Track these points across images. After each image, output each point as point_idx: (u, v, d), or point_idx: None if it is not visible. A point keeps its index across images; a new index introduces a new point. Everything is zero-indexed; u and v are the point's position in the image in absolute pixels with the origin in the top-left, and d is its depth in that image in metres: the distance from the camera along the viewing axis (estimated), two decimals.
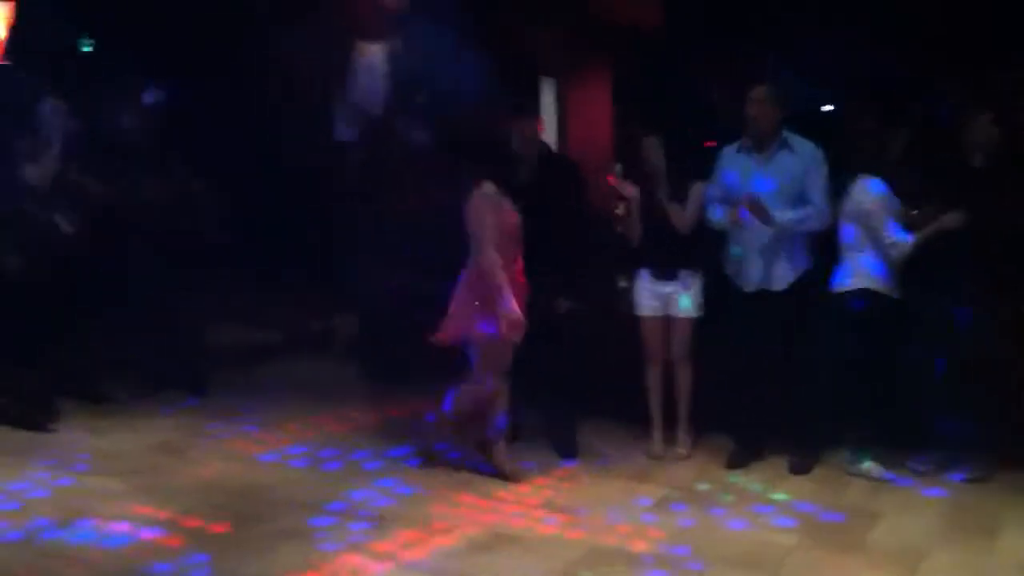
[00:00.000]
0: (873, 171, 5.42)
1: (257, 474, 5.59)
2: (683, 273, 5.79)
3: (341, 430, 6.42)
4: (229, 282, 8.12)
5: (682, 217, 5.72)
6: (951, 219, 5.23)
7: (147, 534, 4.69)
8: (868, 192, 5.39)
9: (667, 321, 5.86)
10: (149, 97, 7.16)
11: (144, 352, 7.24)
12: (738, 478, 5.48)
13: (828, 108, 8.84)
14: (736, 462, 5.66)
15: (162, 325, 7.08)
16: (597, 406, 6.38)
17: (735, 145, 5.74)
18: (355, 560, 4.41)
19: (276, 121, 9.09)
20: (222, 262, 7.43)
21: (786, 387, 5.56)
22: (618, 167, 8.63)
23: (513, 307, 5.20)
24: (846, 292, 5.46)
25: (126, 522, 4.81)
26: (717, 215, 5.66)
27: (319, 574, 4.27)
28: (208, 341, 7.54)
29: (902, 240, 5.30)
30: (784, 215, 5.45)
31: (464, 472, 5.59)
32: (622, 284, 6.78)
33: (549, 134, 9.57)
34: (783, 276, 5.57)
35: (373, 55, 9.74)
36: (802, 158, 5.55)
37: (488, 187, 5.44)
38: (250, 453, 5.93)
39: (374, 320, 8.07)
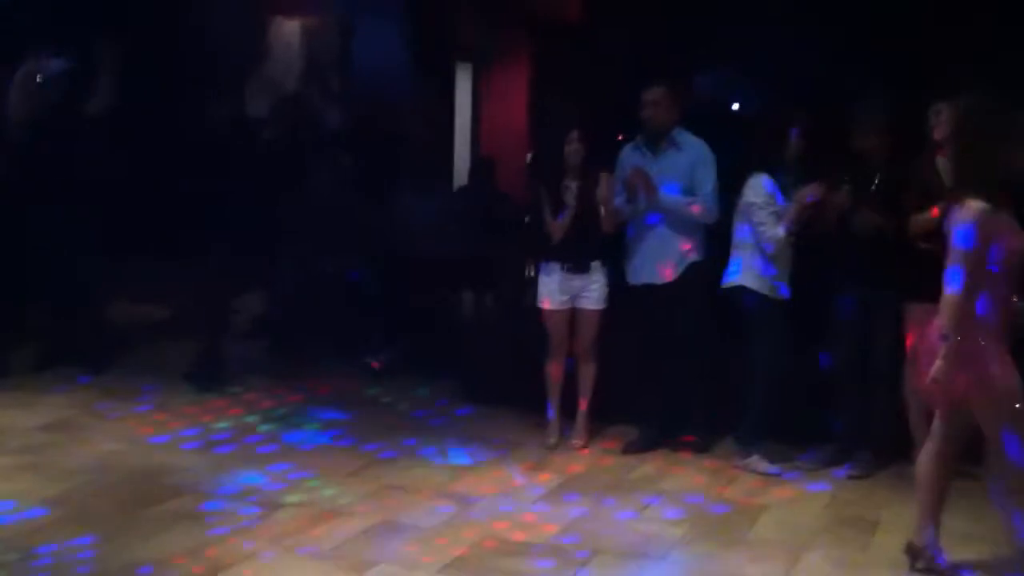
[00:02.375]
0: (764, 168, 5.54)
1: (149, 456, 5.53)
2: (593, 266, 5.87)
3: (236, 413, 6.37)
4: (132, 257, 8.01)
5: (611, 218, 5.81)
6: (806, 191, 5.39)
7: (32, 514, 4.61)
8: (754, 188, 5.53)
9: (573, 314, 5.93)
10: (54, 66, 6.99)
11: (43, 325, 7.13)
12: (631, 469, 5.56)
13: (736, 107, 8.95)
14: (631, 451, 5.78)
15: (65, 299, 6.96)
16: (495, 396, 6.46)
17: (632, 143, 5.91)
18: (245, 545, 4.39)
19: (188, 95, 8.94)
20: (125, 237, 7.34)
21: (679, 380, 5.71)
22: (529, 156, 8.67)
23: None
24: (732, 287, 5.60)
25: (12, 501, 4.73)
26: (619, 204, 5.79)
27: (208, 559, 4.24)
28: (109, 317, 7.44)
29: (774, 232, 5.43)
30: (668, 196, 5.65)
31: (356, 458, 5.59)
32: (530, 276, 6.86)
33: (463, 120, 9.61)
34: (672, 270, 5.74)
35: (289, 31, 9.66)
36: (690, 156, 5.75)
37: None
38: (143, 434, 5.86)
39: (284, 301, 8.02)
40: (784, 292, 5.56)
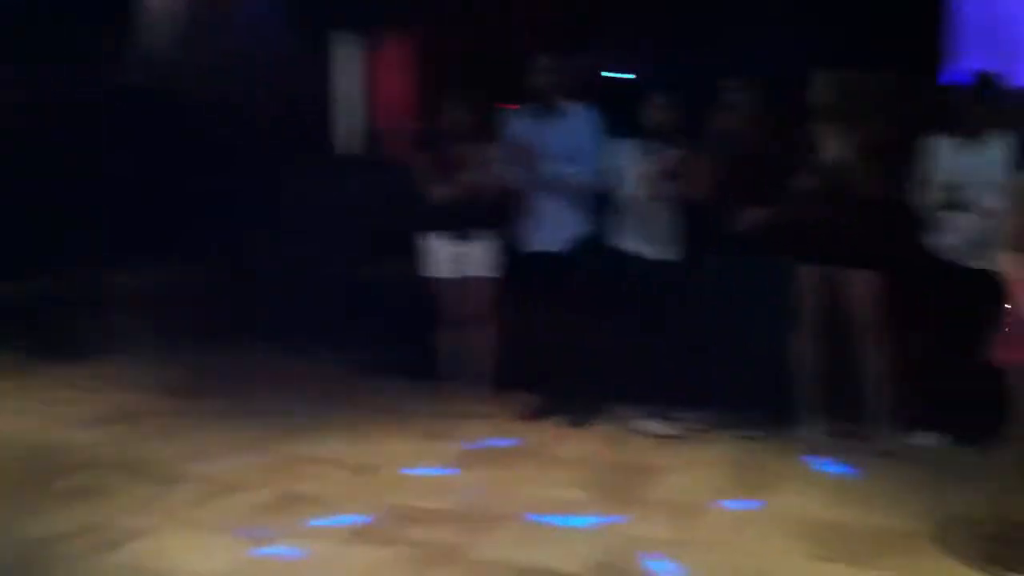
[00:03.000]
0: (628, 134, 5.69)
1: (45, 432, 5.41)
2: (480, 233, 5.91)
3: (136, 388, 6.28)
4: None
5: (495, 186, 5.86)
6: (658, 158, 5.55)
7: None
8: (616, 153, 5.69)
9: (464, 282, 5.97)
10: None
11: None
12: (531, 436, 5.64)
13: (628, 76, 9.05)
14: (529, 417, 5.88)
15: None
16: (395, 364, 6.47)
17: (522, 109, 5.95)
18: (143, 521, 4.33)
19: (58, 63, 8.66)
20: None
21: (573, 345, 5.78)
22: (416, 126, 8.66)
23: None
24: (618, 251, 5.73)
25: None
26: (504, 169, 5.84)
27: (103, 535, 4.17)
28: None
29: (633, 194, 5.61)
30: (550, 166, 5.71)
31: (257, 431, 5.55)
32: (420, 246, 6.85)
33: (352, 91, 9.54)
34: (563, 236, 5.81)
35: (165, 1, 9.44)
36: (577, 124, 5.82)
37: None
38: (42, 410, 5.74)
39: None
40: (653, 255, 5.69)
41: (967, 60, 7.02)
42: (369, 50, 9.73)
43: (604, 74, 8.78)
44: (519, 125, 5.92)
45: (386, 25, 9.56)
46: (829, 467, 5.18)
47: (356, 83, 9.57)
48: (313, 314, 7.25)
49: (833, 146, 5.28)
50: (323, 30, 9.33)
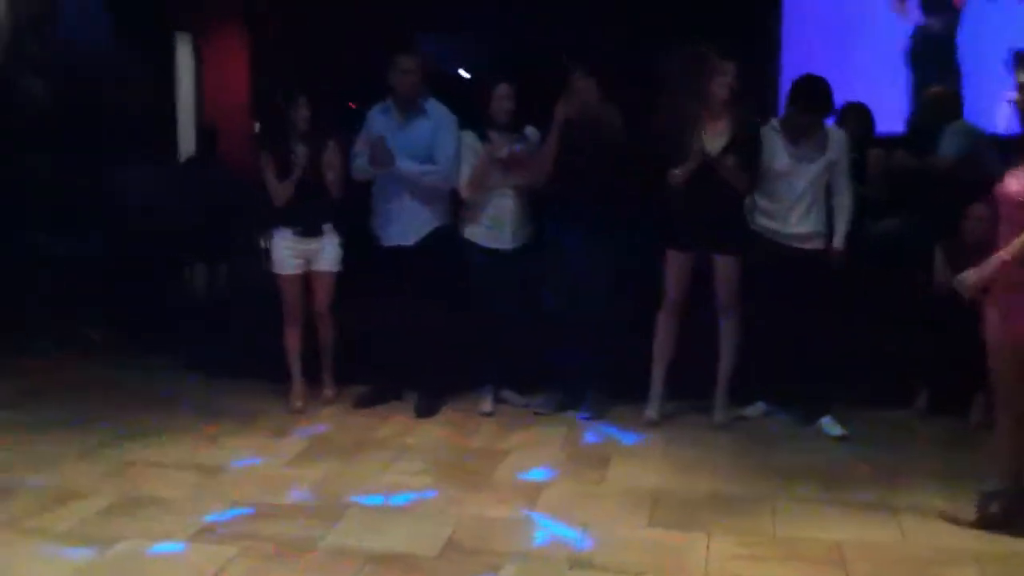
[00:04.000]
0: (471, 126, 5.81)
1: None
2: (325, 229, 5.92)
3: None
4: None
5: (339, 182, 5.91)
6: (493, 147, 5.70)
7: None
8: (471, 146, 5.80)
9: (308, 277, 5.97)
10: None
11: None
12: (376, 427, 5.67)
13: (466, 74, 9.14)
14: (361, 406, 5.96)
15: None
16: (238, 364, 6.43)
17: (380, 107, 5.97)
18: None
19: None
20: None
21: (423, 336, 5.86)
22: (256, 126, 8.58)
23: None
24: (470, 243, 5.85)
25: None
26: (360, 165, 5.86)
27: None
28: None
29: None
30: (407, 164, 5.75)
31: (93, 436, 5.44)
32: (263, 245, 6.82)
33: (185, 91, 9.38)
34: (416, 231, 5.84)
35: None
36: (434, 122, 5.86)
37: None
38: None
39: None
40: (505, 244, 5.81)
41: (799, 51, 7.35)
42: (208, 49, 9.59)
43: (445, 69, 8.85)
44: (374, 122, 5.93)
45: (224, 24, 9.45)
46: (671, 440, 5.38)
47: (194, 83, 9.42)
48: (152, 317, 7.13)
49: (696, 136, 5.48)
50: (158, 29, 9.14)
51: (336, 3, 8.65)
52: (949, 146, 5.84)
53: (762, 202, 5.54)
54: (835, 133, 5.57)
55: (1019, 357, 4.04)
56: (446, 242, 5.90)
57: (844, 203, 5.48)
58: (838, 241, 5.47)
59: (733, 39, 5.74)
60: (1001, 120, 5.96)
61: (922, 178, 5.71)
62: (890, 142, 6.21)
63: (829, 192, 5.51)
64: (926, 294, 5.60)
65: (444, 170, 5.81)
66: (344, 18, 8.60)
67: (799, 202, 5.47)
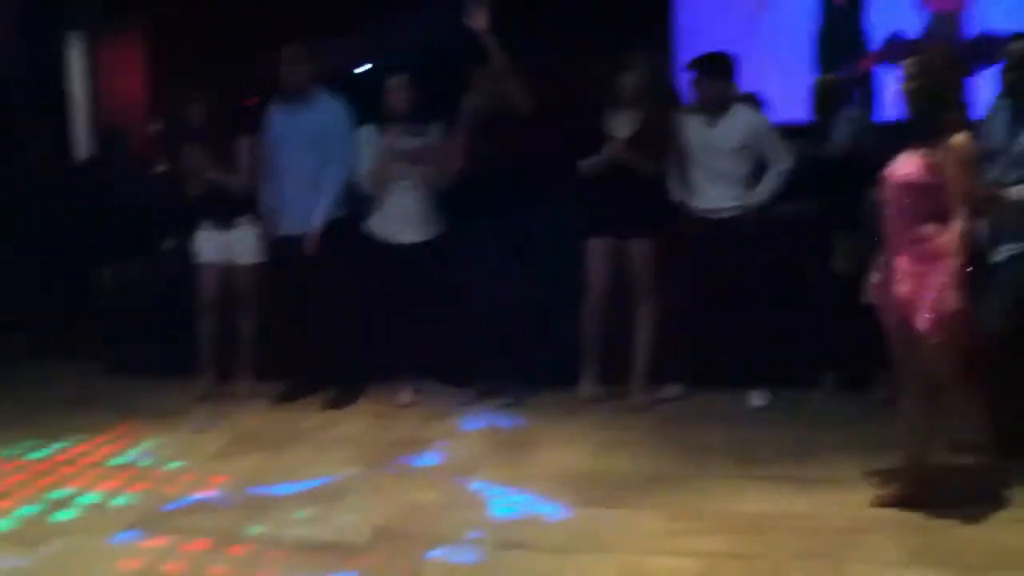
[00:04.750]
0: (373, 121, 5.84)
1: None
2: (240, 221, 5.94)
3: None
4: None
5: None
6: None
7: None
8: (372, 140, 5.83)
9: (228, 269, 5.98)
10: None
11: None
12: (301, 420, 5.68)
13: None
14: (284, 401, 5.94)
15: None
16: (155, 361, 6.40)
17: (276, 102, 5.99)
18: None
19: None
20: None
21: (330, 326, 5.89)
22: (155, 124, 8.46)
23: None
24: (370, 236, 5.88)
25: None
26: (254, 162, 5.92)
27: None
28: None
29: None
30: (302, 156, 5.80)
31: (20, 437, 5.37)
32: (167, 245, 6.76)
33: (79, 90, 9.18)
34: (315, 220, 5.83)
35: None
36: (326, 114, 5.90)
37: None
38: None
39: None
40: (411, 237, 5.81)
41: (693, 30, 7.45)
42: (106, 49, 9.41)
43: (347, 64, 8.82)
44: (271, 117, 5.96)
45: (122, 24, 9.28)
46: (593, 424, 5.47)
47: (90, 83, 9.23)
48: (68, 317, 7.01)
49: (612, 125, 5.59)
50: (51, 29, 8.94)
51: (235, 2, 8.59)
52: (840, 133, 6.02)
53: (683, 179, 5.67)
54: (746, 108, 5.73)
55: (903, 333, 4.14)
56: (340, 233, 5.87)
57: (773, 171, 5.61)
58: (752, 198, 5.61)
59: (628, 35, 5.88)
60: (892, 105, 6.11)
61: (818, 166, 5.87)
62: (792, 131, 6.37)
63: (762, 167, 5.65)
64: (826, 278, 5.76)
65: (336, 160, 5.81)
66: (244, 16, 8.53)
67: (719, 178, 5.61)
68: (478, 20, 5.55)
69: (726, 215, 5.61)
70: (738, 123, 5.62)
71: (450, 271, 5.87)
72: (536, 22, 7.53)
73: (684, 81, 6.04)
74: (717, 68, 5.64)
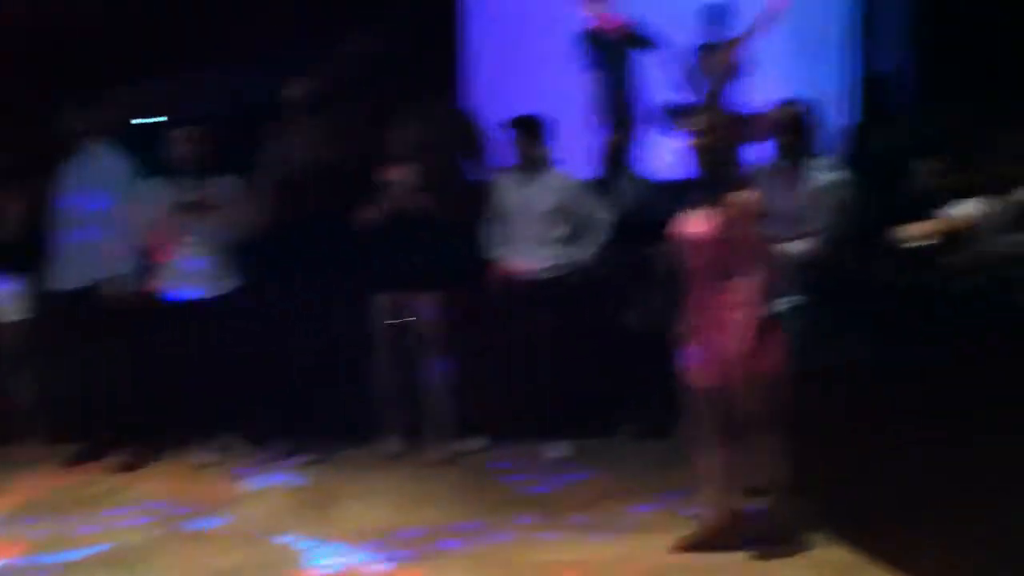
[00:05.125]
0: (159, 172, 5.75)
1: None
2: (8, 275, 5.78)
3: None
4: None
5: None
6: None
7: None
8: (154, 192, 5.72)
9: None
10: None
11: None
12: (94, 484, 5.46)
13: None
14: (78, 462, 5.71)
15: None
16: None
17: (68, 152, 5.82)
18: None
19: None
20: None
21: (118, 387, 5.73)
22: None
23: None
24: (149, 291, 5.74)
25: None
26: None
27: None
28: None
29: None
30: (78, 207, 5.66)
31: None
32: None
33: None
34: (90, 275, 5.66)
35: None
36: (102, 163, 5.77)
37: None
38: None
39: None
40: (202, 292, 5.68)
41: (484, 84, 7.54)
42: None
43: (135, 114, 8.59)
44: (71, 167, 5.78)
45: None
46: (396, 479, 5.45)
47: None
48: None
49: (394, 174, 5.62)
50: None
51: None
52: (625, 193, 6.21)
53: (499, 236, 5.77)
54: (560, 171, 5.85)
55: (710, 395, 4.31)
56: (132, 287, 5.70)
57: (592, 230, 5.75)
58: (570, 255, 5.74)
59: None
60: (666, 165, 6.31)
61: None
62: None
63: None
64: (621, 331, 5.92)
65: (114, 210, 5.66)
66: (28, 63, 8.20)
67: (534, 238, 5.73)
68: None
69: (543, 276, 5.71)
70: (553, 184, 5.76)
71: (246, 327, 5.75)
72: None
73: (492, 134, 6.16)
74: (531, 129, 5.77)
